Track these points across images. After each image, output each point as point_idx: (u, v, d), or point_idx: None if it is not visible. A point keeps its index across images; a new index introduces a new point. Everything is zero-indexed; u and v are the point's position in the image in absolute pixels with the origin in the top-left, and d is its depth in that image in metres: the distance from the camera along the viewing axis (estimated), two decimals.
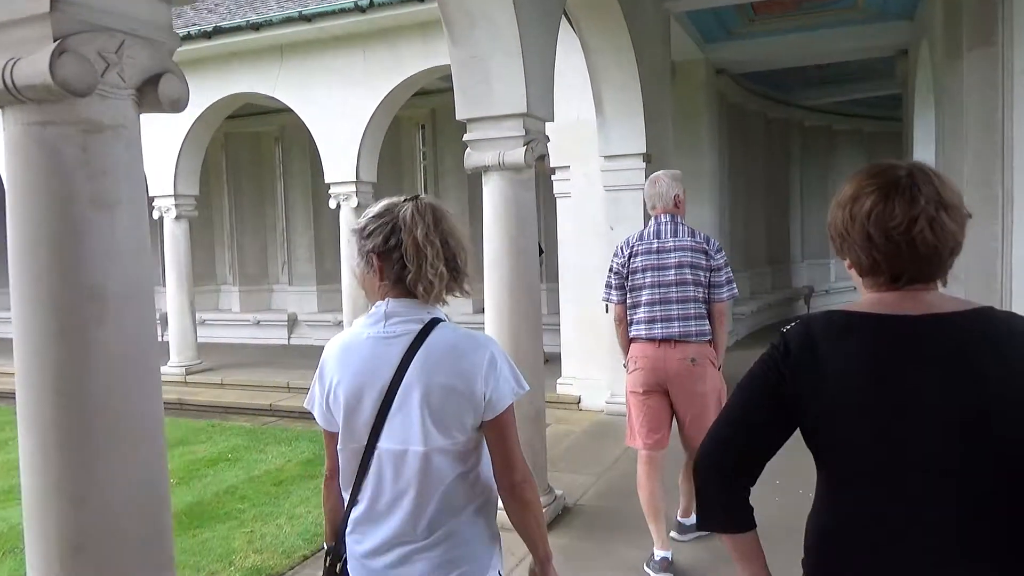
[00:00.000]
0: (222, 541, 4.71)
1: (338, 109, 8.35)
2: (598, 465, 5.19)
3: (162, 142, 9.30)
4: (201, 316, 12.47)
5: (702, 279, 3.55)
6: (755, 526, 1.40)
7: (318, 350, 1.85)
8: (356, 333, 1.67)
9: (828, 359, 1.28)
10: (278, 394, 8.68)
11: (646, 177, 6.43)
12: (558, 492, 4.42)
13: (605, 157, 6.58)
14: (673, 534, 3.85)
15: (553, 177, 7.54)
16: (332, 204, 8.58)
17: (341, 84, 8.28)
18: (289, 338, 11.93)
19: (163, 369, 9.56)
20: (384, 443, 1.61)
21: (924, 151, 8.24)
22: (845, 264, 1.36)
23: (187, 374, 9.50)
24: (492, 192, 4.16)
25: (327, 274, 11.99)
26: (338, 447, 1.66)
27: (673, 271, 3.54)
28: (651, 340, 3.55)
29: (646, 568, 3.61)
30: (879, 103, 14.03)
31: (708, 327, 3.57)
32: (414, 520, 1.62)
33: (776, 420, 1.35)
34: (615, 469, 5.15)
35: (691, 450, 3.65)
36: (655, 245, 3.60)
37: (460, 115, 4.15)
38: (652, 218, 3.73)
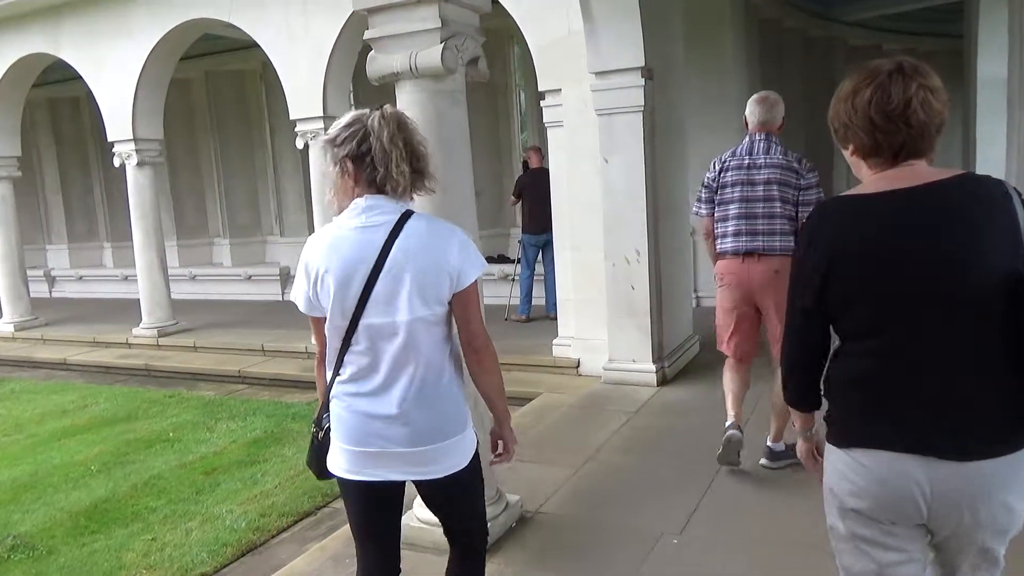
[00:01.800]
0: (114, 552, 3.89)
1: (300, 35, 7.26)
2: (578, 453, 4.21)
3: (116, 83, 8.36)
4: (193, 271, 11.79)
5: (790, 197, 3.60)
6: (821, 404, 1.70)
7: None
8: (339, 227, 1.88)
9: (845, 234, 1.54)
10: (252, 358, 7.86)
11: (646, 97, 5.36)
12: (511, 499, 3.44)
13: (595, 74, 5.40)
14: (763, 461, 3.88)
15: (543, 103, 6.39)
16: (299, 144, 7.58)
17: (300, 6, 7.18)
18: (283, 294, 11.10)
19: (134, 331, 8.85)
20: (369, 318, 1.83)
21: (992, 67, 6.85)
22: (847, 152, 1.62)
23: (159, 336, 8.74)
24: (405, 107, 3.10)
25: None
26: (326, 327, 1.87)
27: (761, 187, 3.60)
28: (736, 255, 3.66)
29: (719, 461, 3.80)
30: (935, 16, 12.37)
31: (792, 243, 3.53)
32: (401, 386, 1.84)
33: (821, 299, 1.58)
34: (597, 459, 4.16)
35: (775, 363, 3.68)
36: (746, 161, 3.66)
37: (357, 2, 3.07)
38: (747, 135, 3.74)
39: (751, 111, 3.75)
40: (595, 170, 5.63)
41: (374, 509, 1.99)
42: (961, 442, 1.47)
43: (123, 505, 4.50)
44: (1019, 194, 1.49)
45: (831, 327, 1.62)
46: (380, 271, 1.81)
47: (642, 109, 5.25)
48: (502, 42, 10.01)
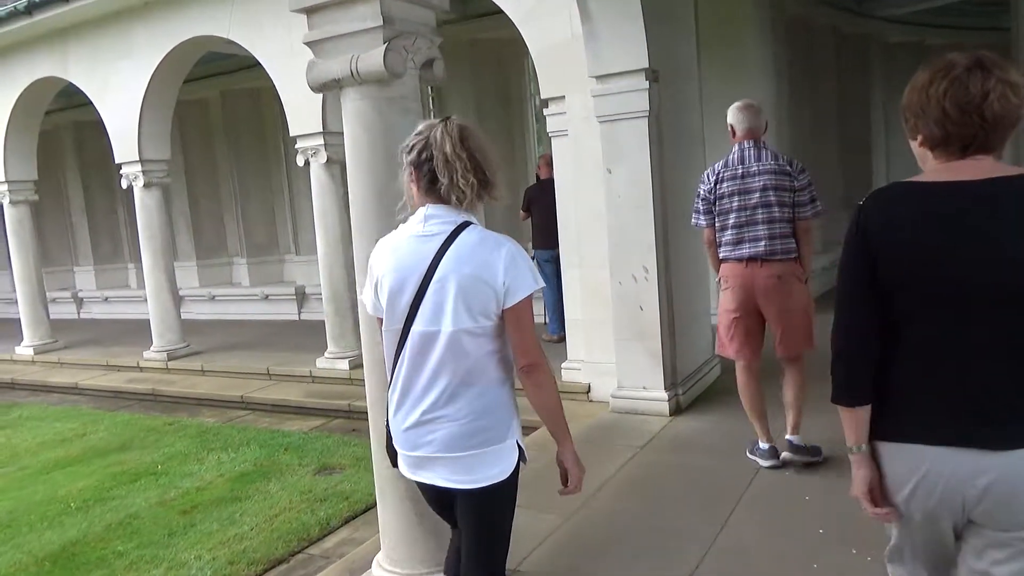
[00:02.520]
0: None
1: (298, 49, 7.01)
2: (573, 496, 3.77)
3: (121, 104, 8.24)
4: (211, 292, 11.67)
5: (787, 199, 3.70)
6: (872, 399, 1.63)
7: None
8: (400, 234, 1.98)
9: (897, 220, 1.53)
10: (256, 383, 7.61)
11: (651, 101, 4.94)
12: None
13: (596, 78, 5.01)
14: (786, 455, 3.88)
15: (546, 112, 6.01)
16: (299, 160, 7.33)
17: (298, 19, 6.92)
18: (299, 313, 10.90)
19: (144, 355, 8.70)
20: (418, 326, 1.90)
21: None
22: (915, 143, 1.60)
23: (169, 359, 8.56)
24: (349, 118, 2.77)
25: None
26: (383, 329, 2.00)
27: (757, 194, 3.70)
28: (739, 260, 3.75)
29: (750, 455, 3.97)
30: (981, 9, 11.68)
31: (794, 245, 3.74)
32: (441, 391, 1.90)
33: (875, 285, 1.56)
34: (594, 504, 3.74)
35: (788, 362, 3.89)
36: (739, 171, 3.74)
37: (293, 2, 2.75)
38: (735, 144, 3.82)
39: (737, 119, 3.84)
40: (601, 181, 5.22)
41: (438, 506, 2.10)
42: (1010, 433, 1.47)
43: (92, 548, 4.23)
44: None
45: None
46: (430, 280, 1.87)
47: (647, 114, 4.84)
48: (517, 50, 9.68)
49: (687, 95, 5.52)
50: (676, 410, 5.06)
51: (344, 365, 7.27)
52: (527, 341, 1.91)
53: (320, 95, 7.01)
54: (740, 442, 4.31)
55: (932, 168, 1.57)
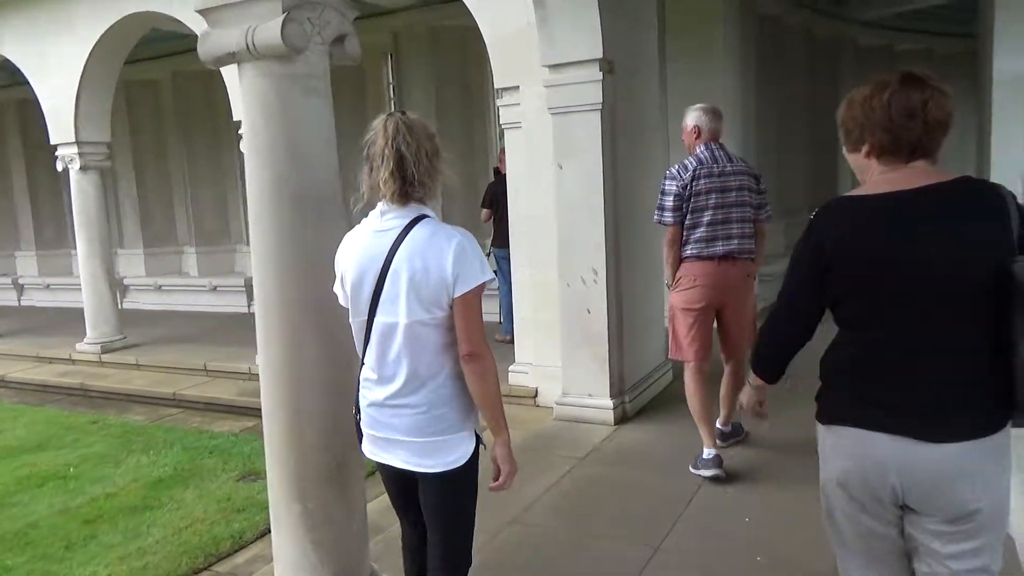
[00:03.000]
0: None
1: None
2: (503, 512, 3.51)
3: (58, 82, 7.79)
4: (158, 281, 11.23)
5: (753, 202, 3.86)
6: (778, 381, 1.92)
7: None
8: (363, 228, 2.04)
9: (847, 231, 1.64)
10: (191, 379, 7.23)
11: (604, 93, 4.66)
12: None
13: (549, 67, 4.74)
14: (718, 472, 3.83)
15: (499, 102, 5.73)
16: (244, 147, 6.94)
17: None
18: (249, 306, 10.49)
19: (77, 347, 8.26)
20: (379, 317, 1.98)
21: (1009, 63, 6.11)
22: (859, 154, 1.70)
23: (103, 352, 8.13)
24: (247, 97, 2.47)
25: None
26: (350, 320, 2.07)
27: (734, 194, 3.80)
28: (711, 258, 3.79)
29: (692, 470, 3.87)
30: (952, 15, 11.61)
31: (754, 246, 3.89)
32: (401, 381, 1.97)
33: (819, 290, 1.70)
34: (523, 521, 3.48)
35: (734, 360, 4.03)
36: (716, 169, 3.81)
37: None
38: (701, 144, 3.88)
39: (703, 120, 3.91)
40: (555, 176, 4.95)
41: (396, 488, 2.14)
42: (947, 425, 1.57)
43: None
44: (1014, 198, 1.60)
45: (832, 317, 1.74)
46: (387, 273, 1.93)
47: (600, 107, 4.57)
48: (479, 39, 9.36)
49: (645, 89, 5.26)
50: (622, 419, 4.82)
51: None
52: (471, 330, 1.94)
53: None
54: (683, 454, 4.10)
55: (877, 178, 1.67)
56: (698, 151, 3.86)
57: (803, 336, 1.76)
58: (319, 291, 2.42)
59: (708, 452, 3.82)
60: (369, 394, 2.04)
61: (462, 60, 9.18)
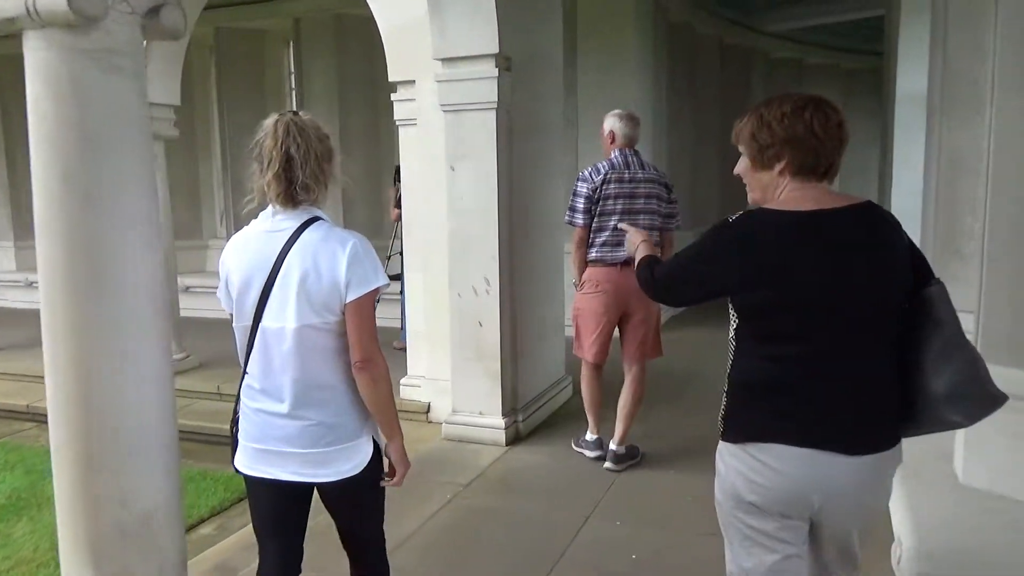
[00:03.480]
0: None
1: None
2: None
3: None
4: (28, 278, 10.24)
5: (661, 210, 3.90)
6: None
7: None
8: (251, 229, 1.97)
9: (780, 245, 1.63)
10: None
11: (500, 91, 4.33)
12: None
13: (441, 61, 4.40)
14: (608, 465, 3.97)
15: (393, 97, 5.36)
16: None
17: None
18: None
19: None
20: (266, 322, 1.90)
21: (911, 82, 6.16)
22: (774, 171, 1.69)
23: None
24: (30, 73, 2.03)
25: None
26: (233, 325, 1.99)
27: (642, 200, 3.85)
28: (614, 263, 3.84)
29: (574, 446, 4.22)
30: (859, 32, 11.90)
31: (659, 254, 3.81)
32: (289, 388, 1.89)
33: (717, 283, 1.74)
34: (393, 563, 3.12)
35: (636, 367, 4.01)
36: (626, 175, 3.85)
37: None
38: (616, 150, 3.92)
39: (619, 126, 3.94)
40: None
41: (278, 505, 2.03)
42: (859, 439, 1.63)
43: None
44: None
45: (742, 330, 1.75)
46: (276, 277, 1.87)
47: (495, 106, 4.26)
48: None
49: (548, 88, 4.99)
50: (515, 438, 4.53)
51: None
52: (363, 336, 1.90)
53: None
54: (574, 480, 3.90)
55: (794, 195, 1.68)
56: (612, 156, 3.91)
57: (687, 302, 1.98)
58: (118, 309, 2.02)
59: (591, 436, 4.15)
60: (253, 404, 1.95)
61: (368, 52, 8.70)
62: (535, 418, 4.77)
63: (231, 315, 1.99)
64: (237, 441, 2.01)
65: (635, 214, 3.80)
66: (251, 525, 2.12)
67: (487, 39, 4.22)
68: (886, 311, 1.64)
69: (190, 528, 4.29)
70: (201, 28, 8.89)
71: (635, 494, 3.73)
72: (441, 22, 4.30)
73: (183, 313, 8.95)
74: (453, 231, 4.48)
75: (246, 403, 1.97)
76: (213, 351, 7.00)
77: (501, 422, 4.46)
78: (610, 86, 7.19)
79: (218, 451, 5.49)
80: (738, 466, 1.70)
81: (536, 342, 4.89)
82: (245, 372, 1.98)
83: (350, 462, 1.94)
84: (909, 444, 1.74)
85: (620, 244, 3.75)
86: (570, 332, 4.34)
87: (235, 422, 2.02)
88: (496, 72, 4.22)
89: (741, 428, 1.71)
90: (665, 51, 8.34)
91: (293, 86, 8.89)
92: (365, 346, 1.89)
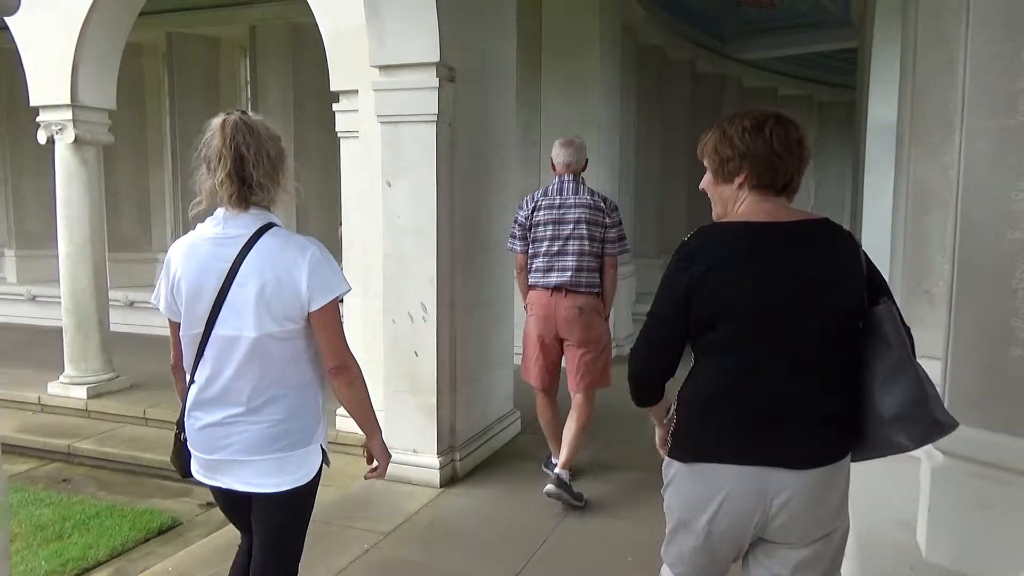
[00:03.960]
0: None
1: (45, 2, 5.67)
2: None
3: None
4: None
5: (597, 235, 3.83)
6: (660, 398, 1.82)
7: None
8: (199, 234, 1.89)
9: (722, 257, 1.63)
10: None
11: (442, 103, 3.97)
12: None
13: (379, 68, 4.09)
14: (550, 487, 3.72)
15: (335, 107, 5.05)
16: (41, 138, 5.94)
17: None
18: None
19: None
20: (219, 330, 1.85)
21: (882, 111, 5.96)
22: (733, 184, 1.70)
23: None
24: None
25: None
26: (180, 333, 1.93)
27: (571, 226, 3.81)
28: (545, 288, 3.85)
29: (544, 468, 4.14)
30: (833, 65, 11.84)
31: (598, 281, 3.87)
32: (245, 395, 1.86)
33: (676, 308, 1.67)
34: None
35: (579, 395, 3.90)
36: (557, 201, 3.86)
37: None
38: (557, 177, 3.93)
39: (557, 153, 3.95)
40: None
41: (233, 511, 2.06)
42: (803, 455, 1.61)
43: None
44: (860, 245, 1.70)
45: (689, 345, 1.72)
46: (231, 284, 1.82)
47: (436, 119, 3.94)
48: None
49: (499, 103, 4.69)
50: (451, 480, 4.16)
51: (81, 393, 5.92)
52: (334, 343, 1.89)
53: (72, 57, 5.71)
54: (510, 525, 3.58)
55: (750, 208, 1.68)
56: (551, 183, 3.95)
57: (672, 355, 1.72)
58: None
59: (555, 461, 3.99)
60: (202, 413, 1.91)
61: (324, 62, 8.39)
62: (476, 456, 4.40)
63: (174, 323, 1.95)
64: (186, 449, 1.98)
65: (564, 239, 3.81)
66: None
67: (428, 47, 3.91)
68: (831, 327, 1.62)
69: (82, 573, 3.87)
70: (152, 32, 8.56)
71: (572, 549, 3.37)
72: (379, 27, 3.99)
73: (127, 329, 8.53)
74: (388, 252, 4.13)
75: (194, 412, 1.93)
76: (150, 371, 6.58)
77: (436, 461, 4.08)
78: (575, 107, 6.94)
79: (136, 484, 5.08)
80: (684, 481, 1.70)
81: (480, 374, 4.54)
82: (192, 380, 1.92)
83: (302, 469, 1.91)
84: (865, 514, 1.60)
85: (551, 269, 3.83)
86: (520, 362, 4.14)
87: (180, 426, 1.99)
88: (437, 82, 3.91)
89: (685, 446, 1.70)
90: (634, 74, 8.13)
91: (248, 96, 8.53)
92: (337, 353, 1.89)
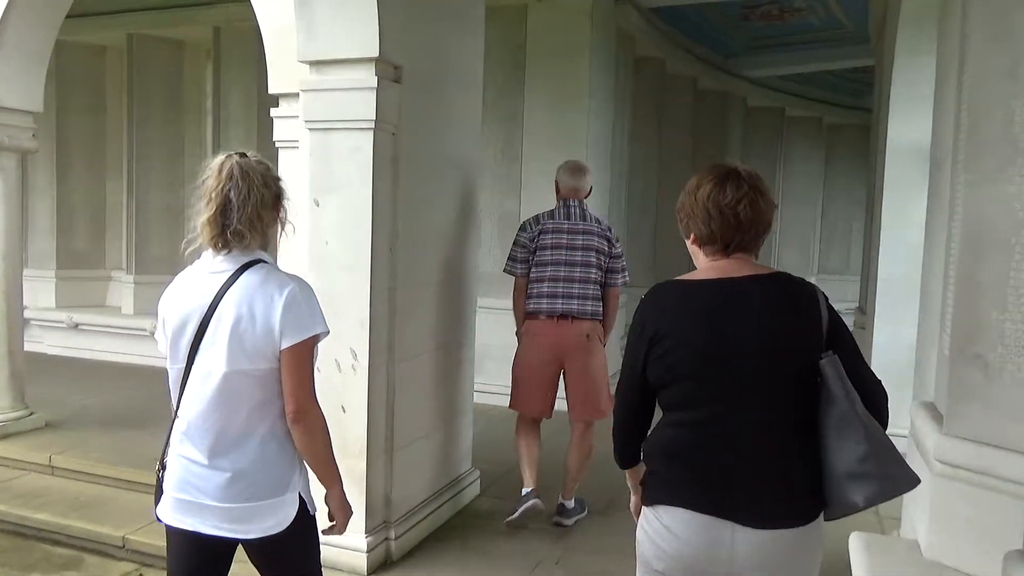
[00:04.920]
0: None
1: None
2: None
3: None
4: (74, 317, 8.13)
5: (602, 263, 3.83)
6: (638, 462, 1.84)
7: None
8: (194, 269, 1.92)
9: (673, 314, 1.69)
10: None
11: (381, 107, 3.09)
12: None
13: (309, 65, 3.40)
14: (556, 518, 3.82)
15: (273, 112, 4.37)
16: None
17: None
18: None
19: None
20: (197, 366, 1.85)
21: (905, 131, 5.30)
22: (688, 241, 1.80)
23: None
24: None
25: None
26: (167, 366, 1.92)
27: (580, 252, 3.78)
28: (551, 316, 3.76)
29: (517, 513, 3.74)
30: (844, 85, 11.20)
31: (600, 308, 3.84)
32: (218, 435, 1.84)
33: (639, 362, 1.73)
34: None
35: (580, 424, 3.85)
36: (565, 226, 3.80)
37: None
38: (561, 200, 3.89)
39: (561, 177, 3.92)
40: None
41: (197, 558, 1.95)
42: (761, 511, 1.60)
43: None
44: (825, 297, 1.71)
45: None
46: (210, 320, 1.82)
47: (373, 126, 3.25)
48: None
49: (461, 112, 4.01)
50: (382, 563, 3.43)
51: None
52: (297, 385, 1.83)
53: None
54: None
55: (704, 265, 1.76)
56: (558, 205, 3.88)
57: (642, 417, 1.79)
58: None
59: (525, 489, 3.77)
60: (182, 450, 1.88)
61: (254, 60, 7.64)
62: (419, 531, 3.66)
63: (166, 357, 1.93)
64: (162, 489, 1.93)
65: (571, 266, 3.75)
66: None
67: (365, 39, 3.22)
68: (786, 380, 1.63)
69: None
70: (113, 33, 7.93)
71: None
72: (309, 15, 3.32)
73: (70, 353, 7.61)
74: (315, 287, 3.41)
75: (176, 449, 1.91)
76: (77, 405, 5.84)
77: (363, 542, 3.34)
78: (562, 122, 6.27)
79: (19, 551, 4.05)
80: (647, 528, 1.72)
81: (430, 430, 3.82)
82: (176, 415, 1.91)
83: (273, 518, 1.87)
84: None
85: (556, 296, 3.74)
86: (482, 411, 3.73)
87: (162, 466, 1.95)
88: (375, 82, 3.22)
89: (650, 491, 1.73)
90: (629, 89, 7.47)
91: (212, 105, 7.85)
92: (298, 397, 1.84)
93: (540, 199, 6.02)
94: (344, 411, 3.39)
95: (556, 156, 6.27)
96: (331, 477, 1.96)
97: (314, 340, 1.84)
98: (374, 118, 3.24)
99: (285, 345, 1.80)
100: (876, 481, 1.57)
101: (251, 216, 1.83)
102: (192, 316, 1.85)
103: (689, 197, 1.73)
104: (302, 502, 1.91)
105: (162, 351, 1.93)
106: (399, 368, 3.52)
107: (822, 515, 1.65)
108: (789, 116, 11.34)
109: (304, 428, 1.86)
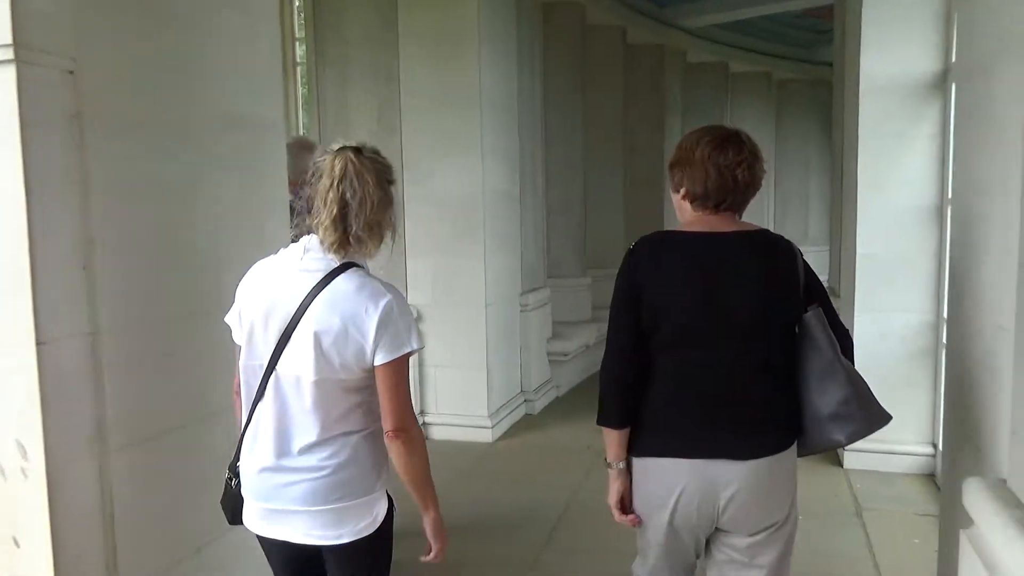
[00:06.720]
0: None
1: None
2: None
3: None
4: None
5: None
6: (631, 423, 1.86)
7: None
8: (278, 259, 1.79)
9: (663, 264, 1.81)
10: None
11: (35, 18, 1.90)
12: None
13: None
14: None
15: None
16: None
17: None
18: None
19: None
20: (281, 368, 1.73)
21: (886, 66, 4.16)
22: (677, 195, 1.89)
23: None
24: None
25: None
26: (240, 362, 1.80)
27: None
28: None
29: None
30: (796, 37, 10.10)
31: None
32: (304, 439, 1.72)
33: (639, 320, 1.80)
34: None
35: None
36: None
37: None
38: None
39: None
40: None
41: (291, 566, 1.90)
42: (749, 445, 1.76)
43: None
44: (800, 253, 1.87)
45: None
46: (298, 322, 1.70)
47: (14, 54, 1.85)
48: None
49: (236, 42, 2.62)
50: None
51: None
52: (395, 403, 1.73)
53: None
54: None
55: (690, 220, 1.87)
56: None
57: (635, 367, 1.83)
58: None
59: None
60: (257, 457, 1.76)
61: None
62: None
63: (238, 348, 1.80)
64: (238, 494, 1.82)
65: None
66: None
67: None
68: (766, 329, 1.79)
69: None
70: None
71: None
72: None
73: None
74: None
75: (249, 457, 1.79)
76: None
77: None
78: (446, 75, 4.94)
79: None
80: (645, 477, 1.84)
81: (179, 556, 2.45)
82: (249, 419, 1.78)
83: (365, 519, 1.78)
84: None
85: None
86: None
87: (235, 473, 1.83)
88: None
89: (639, 442, 1.84)
90: (539, 39, 6.14)
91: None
92: (398, 415, 1.74)
93: (422, 174, 4.76)
94: (18, 545, 2.01)
95: (444, 124, 4.99)
96: (429, 498, 1.84)
97: (409, 355, 1.73)
98: (11, 41, 1.85)
99: (379, 362, 1.69)
100: (856, 421, 1.82)
101: (369, 220, 1.70)
102: (276, 314, 1.72)
103: (687, 154, 1.83)
104: (390, 500, 1.85)
105: (236, 340, 1.81)
106: (122, 458, 2.15)
107: (795, 445, 1.86)
108: (734, 72, 10.16)
109: (404, 447, 1.75)
